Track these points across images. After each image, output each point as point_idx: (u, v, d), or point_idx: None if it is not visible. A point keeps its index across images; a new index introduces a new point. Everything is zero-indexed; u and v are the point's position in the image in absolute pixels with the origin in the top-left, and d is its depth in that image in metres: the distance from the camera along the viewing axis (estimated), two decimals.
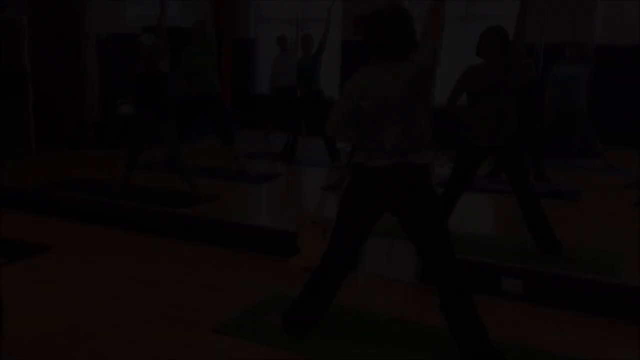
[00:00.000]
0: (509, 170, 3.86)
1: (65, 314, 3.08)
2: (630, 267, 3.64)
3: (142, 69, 4.92)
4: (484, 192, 5.54)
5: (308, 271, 3.06)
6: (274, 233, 4.14)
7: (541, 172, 5.86)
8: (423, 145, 2.58)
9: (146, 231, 4.44)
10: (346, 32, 8.70)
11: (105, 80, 7.56)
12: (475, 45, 3.75)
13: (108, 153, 7.17)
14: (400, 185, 2.56)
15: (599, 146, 6.40)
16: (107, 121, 7.54)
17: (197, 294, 3.37)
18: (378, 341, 2.85)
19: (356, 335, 2.91)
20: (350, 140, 2.89)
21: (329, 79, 8.23)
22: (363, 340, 2.86)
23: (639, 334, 2.97)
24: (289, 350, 2.75)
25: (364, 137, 2.62)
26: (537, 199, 3.77)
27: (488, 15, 7.94)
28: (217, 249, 4.12)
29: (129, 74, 5.01)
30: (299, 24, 7.54)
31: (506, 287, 3.39)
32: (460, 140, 3.87)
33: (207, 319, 3.04)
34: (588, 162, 6.84)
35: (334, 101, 2.74)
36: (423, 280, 3.53)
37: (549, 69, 6.17)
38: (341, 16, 8.73)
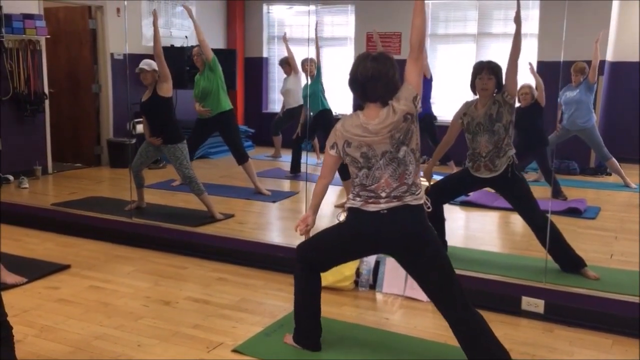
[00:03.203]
0: (511, 197, 3.86)
1: (85, 333, 3.09)
2: None
3: (146, 96, 4.99)
4: (503, 210, 5.51)
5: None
6: (292, 251, 4.12)
7: (557, 190, 5.83)
8: (417, 188, 2.60)
9: (164, 250, 4.46)
10: (360, 50, 8.74)
11: (120, 99, 7.63)
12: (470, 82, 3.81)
13: (124, 172, 7.21)
14: (397, 226, 2.58)
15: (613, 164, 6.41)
16: (124, 140, 7.59)
17: (215, 313, 3.36)
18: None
19: (376, 353, 2.89)
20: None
21: (342, 97, 8.26)
22: (383, 358, 2.85)
23: None
24: None
25: (358, 188, 2.64)
26: (548, 221, 3.72)
27: (500, 34, 8.00)
28: (234, 268, 4.12)
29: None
30: (287, 44, 7.57)
31: (527, 306, 3.37)
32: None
33: (226, 338, 3.04)
34: (604, 180, 6.80)
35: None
36: None
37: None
38: (354, 34, 8.79)
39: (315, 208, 2.84)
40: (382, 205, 2.57)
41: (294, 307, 2.91)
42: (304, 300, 2.88)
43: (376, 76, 2.53)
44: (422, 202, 2.60)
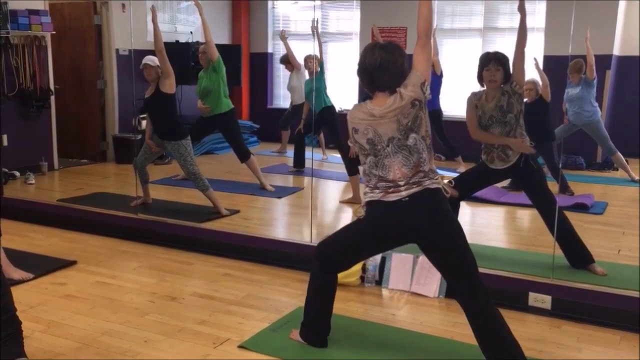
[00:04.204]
0: (526, 188, 3.85)
1: (91, 328, 3.09)
2: None
3: (149, 93, 4.98)
4: (510, 206, 5.50)
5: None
6: (297, 247, 4.13)
7: (564, 185, 5.81)
8: (434, 173, 2.59)
9: (170, 245, 4.46)
10: (365, 45, 8.71)
11: (126, 95, 7.63)
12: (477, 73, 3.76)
13: (130, 167, 7.22)
14: (420, 209, 2.55)
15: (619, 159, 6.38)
16: (129, 136, 7.60)
17: (221, 309, 3.36)
18: (405, 356, 2.82)
19: (382, 349, 2.89)
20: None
21: (347, 91, 8.25)
22: (389, 354, 2.83)
23: None
24: None
25: (374, 180, 2.62)
26: (561, 213, 3.72)
27: (506, 28, 7.95)
28: (240, 263, 4.12)
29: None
30: (286, 40, 7.55)
31: (534, 302, 3.35)
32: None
33: (232, 334, 3.04)
34: (610, 175, 6.77)
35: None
36: (448, 295, 3.50)
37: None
38: (359, 29, 8.76)
39: None
40: (403, 193, 2.54)
41: (305, 303, 2.90)
42: (316, 300, 2.86)
43: (384, 65, 2.52)
44: (440, 186, 2.58)
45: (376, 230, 2.66)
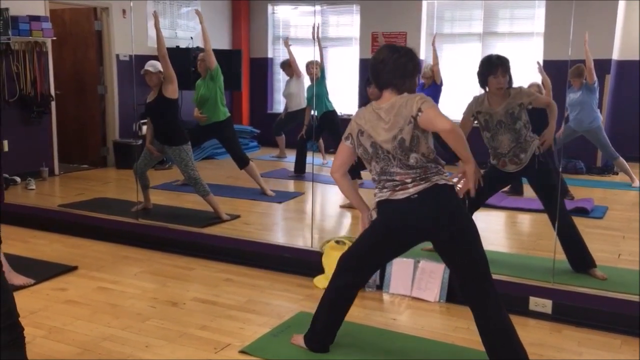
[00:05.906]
0: (537, 188, 3.85)
1: (93, 334, 3.10)
2: None
3: (152, 97, 5.00)
4: (509, 210, 5.50)
5: None
6: (298, 252, 4.13)
7: (564, 189, 5.81)
8: (442, 171, 2.60)
9: (171, 250, 4.46)
10: (364, 51, 8.74)
11: (126, 100, 7.64)
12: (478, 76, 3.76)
13: (131, 173, 7.22)
14: (430, 208, 2.55)
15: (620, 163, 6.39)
16: (130, 141, 7.61)
17: (223, 314, 3.37)
18: None
19: (383, 354, 2.89)
20: (342, 187, 2.85)
21: (347, 97, 8.28)
22: (390, 359, 2.84)
23: None
24: None
25: (382, 181, 2.63)
26: (569, 217, 3.73)
27: (505, 33, 7.98)
28: (240, 268, 4.13)
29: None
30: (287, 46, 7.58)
31: (535, 307, 3.36)
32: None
33: (233, 339, 3.04)
34: (610, 179, 6.78)
35: (350, 119, 2.81)
36: (449, 300, 3.51)
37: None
38: (359, 35, 8.78)
39: (360, 203, 2.81)
40: (411, 190, 2.54)
41: (316, 312, 2.87)
42: (329, 312, 2.84)
43: (385, 59, 2.59)
44: (451, 183, 2.58)
45: (390, 229, 2.65)
